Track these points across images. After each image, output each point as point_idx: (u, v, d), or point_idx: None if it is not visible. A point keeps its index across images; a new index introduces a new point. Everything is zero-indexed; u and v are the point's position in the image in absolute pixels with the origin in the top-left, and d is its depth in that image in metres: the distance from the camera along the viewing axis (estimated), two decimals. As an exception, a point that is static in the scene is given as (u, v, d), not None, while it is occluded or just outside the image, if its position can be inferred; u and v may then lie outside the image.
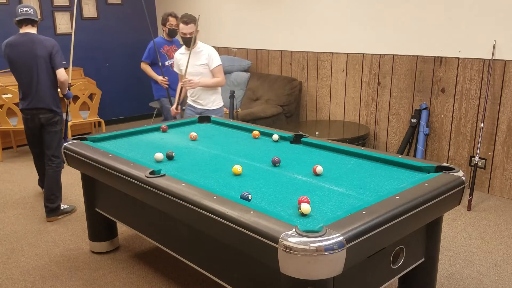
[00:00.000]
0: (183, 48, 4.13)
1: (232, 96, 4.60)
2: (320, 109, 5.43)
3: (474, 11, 3.98)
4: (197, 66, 3.99)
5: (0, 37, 6.12)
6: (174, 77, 4.72)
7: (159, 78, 4.86)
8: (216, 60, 4.01)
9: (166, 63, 4.97)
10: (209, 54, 3.99)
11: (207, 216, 1.91)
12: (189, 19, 3.93)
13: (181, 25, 3.94)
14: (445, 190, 2.10)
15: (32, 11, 3.75)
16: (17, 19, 3.73)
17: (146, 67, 5.05)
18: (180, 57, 4.15)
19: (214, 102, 4.14)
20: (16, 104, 5.22)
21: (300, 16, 5.40)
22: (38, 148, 3.92)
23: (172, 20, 4.98)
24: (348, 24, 4.93)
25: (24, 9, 3.74)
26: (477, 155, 3.98)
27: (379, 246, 1.87)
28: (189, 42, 3.94)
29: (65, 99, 4.05)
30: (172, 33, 5.04)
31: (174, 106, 4.19)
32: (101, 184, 2.95)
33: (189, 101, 4.22)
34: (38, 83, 3.67)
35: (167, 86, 4.83)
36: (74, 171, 4.64)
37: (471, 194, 3.91)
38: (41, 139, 3.82)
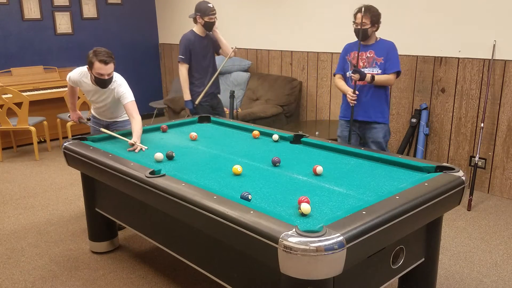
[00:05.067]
0: (87, 76, 3.30)
1: (232, 96, 4.60)
2: (320, 109, 5.43)
3: (474, 11, 3.98)
4: (109, 99, 3.38)
5: (0, 37, 6.13)
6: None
7: (349, 91, 3.56)
8: (126, 95, 3.27)
9: (348, 74, 3.68)
10: (117, 91, 3.28)
11: (207, 216, 1.91)
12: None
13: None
14: (445, 190, 2.10)
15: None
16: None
17: (338, 82, 3.76)
18: (86, 87, 3.37)
19: (123, 113, 3.61)
20: (17, 104, 5.23)
21: (300, 16, 5.40)
22: None
23: (358, 17, 3.56)
24: (348, 24, 4.92)
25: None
26: (477, 155, 3.98)
27: (379, 246, 1.87)
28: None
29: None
30: (359, 33, 3.56)
31: (76, 118, 3.65)
32: (101, 184, 2.95)
33: (94, 112, 3.65)
34: None
35: (353, 103, 3.55)
36: (74, 171, 4.64)
37: (471, 194, 3.91)
38: None
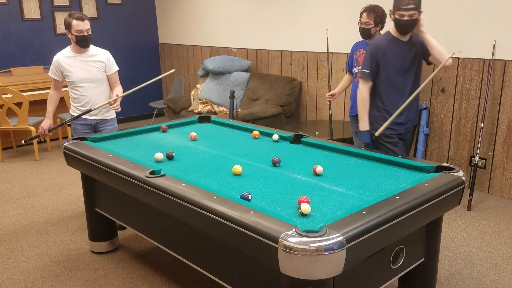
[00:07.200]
0: (68, 50, 3.50)
1: (232, 96, 4.59)
2: (320, 109, 5.43)
3: (474, 11, 3.98)
4: (95, 72, 3.52)
5: (0, 37, 6.13)
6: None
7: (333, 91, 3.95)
8: (115, 64, 3.64)
9: (354, 70, 3.85)
10: (108, 58, 3.58)
11: (207, 216, 1.91)
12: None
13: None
14: (445, 190, 2.10)
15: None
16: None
17: (343, 79, 4.10)
18: (69, 63, 3.48)
19: (110, 110, 3.68)
20: (17, 104, 5.22)
21: (300, 16, 5.40)
22: None
23: (363, 17, 3.61)
24: (348, 24, 4.93)
25: None
26: (477, 155, 3.98)
27: (379, 246, 1.87)
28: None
29: None
30: (363, 32, 3.67)
31: (46, 126, 3.56)
32: (101, 184, 2.95)
33: (74, 113, 3.60)
34: None
35: (328, 101, 4.02)
36: (74, 171, 4.64)
37: (471, 194, 3.91)
38: None
